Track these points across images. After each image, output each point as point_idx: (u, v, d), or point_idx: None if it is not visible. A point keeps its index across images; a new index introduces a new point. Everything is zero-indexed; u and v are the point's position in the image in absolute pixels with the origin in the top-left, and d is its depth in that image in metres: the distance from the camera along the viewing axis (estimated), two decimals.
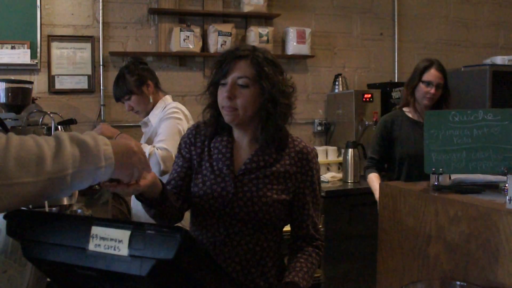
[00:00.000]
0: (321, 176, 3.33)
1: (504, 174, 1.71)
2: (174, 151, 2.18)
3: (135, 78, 2.35)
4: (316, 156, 1.54)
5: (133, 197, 2.53)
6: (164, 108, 2.37)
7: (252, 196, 1.41)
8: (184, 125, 2.31)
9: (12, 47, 3.18)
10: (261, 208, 1.40)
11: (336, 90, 3.84)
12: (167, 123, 2.27)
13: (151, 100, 2.39)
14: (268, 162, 1.44)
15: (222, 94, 1.38)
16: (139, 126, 2.61)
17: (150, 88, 2.39)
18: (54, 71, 3.32)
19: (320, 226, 1.60)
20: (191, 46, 3.43)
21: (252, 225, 1.41)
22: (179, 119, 2.29)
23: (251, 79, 1.36)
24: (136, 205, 2.50)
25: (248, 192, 1.41)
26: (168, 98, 2.46)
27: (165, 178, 1.56)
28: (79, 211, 2.35)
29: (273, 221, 1.43)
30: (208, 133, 1.49)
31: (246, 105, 1.37)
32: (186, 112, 2.39)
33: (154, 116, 2.38)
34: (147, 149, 2.15)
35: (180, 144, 1.56)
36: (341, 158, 3.46)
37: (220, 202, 1.41)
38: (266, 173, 1.43)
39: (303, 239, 1.52)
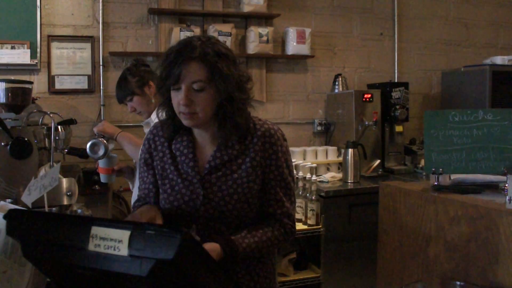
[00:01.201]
0: (321, 176, 3.36)
1: (504, 174, 1.71)
2: None
3: (136, 79, 2.37)
4: (282, 137, 1.44)
5: (133, 196, 2.53)
6: None
7: (223, 195, 1.36)
8: None
9: (12, 47, 3.18)
10: (234, 206, 1.36)
11: (336, 90, 3.84)
12: None
13: (153, 101, 2.40)
14: (232, 155, 1.38)
15: (177, 100, 1.31)
16: (140, 126, 2.62)
17: (151, 89, 2.40)
18: (54, 71, 3.32)
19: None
20: None
21: (229, 222, 1.37)
22: None
23: (205, 81, 1.29)
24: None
25: (219, 191, 1.36)
26: None
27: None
28: (79, 211, 2.35)
29: (250, 215, 1.39)
30: (166, 135, 1.44)
31: (205, 108, 1.31)
32: None
33: (155, 116, 2.39)
34: None
35: (140, 153, 1.51)
36: (341, 158, 3.46)
37: (191, 205, 1.37)
38: (233, 168, 1.38)
39: (266, 219, 1.43)
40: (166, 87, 1.33)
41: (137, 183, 2.48)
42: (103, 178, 2.34)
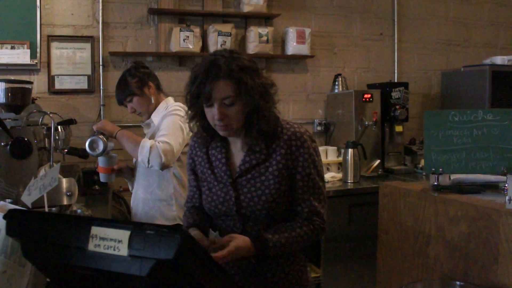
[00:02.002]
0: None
1: (504, 174, 1.71)
2: (175, 145, 2.21)
3: (136, 80, 2.38)
4: (310, 138, 1.52)
5: (132, 197, 2.53)
6: (166, 108, 2.39)
7: (252, 196, 1.47)
8: (186, 123, 2.31)
9: (12, 47, 3.18)
10: (263, 206, 1.46)
11: (336, 90, 3.84)
12: (169, 119, 2.29)
13: (152, 101, 2.40)
14: (260, 159, 1.49)
15: (211, 115, 1.44)
16: (140, 126, 2.62)
17: (151, 89, 2.41)
18: (54, 71, 3.32)
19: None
20: (191, 46, 3.43)
21: (260, 220, 1.49)
22: (181, 116, 2.30)
23: (234, 96, 1.40)
24: (136, 205, 2.50)
25: (248, 193, 1.48)
26: (170, 99, 2.48)
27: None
28: (79, 211, 2.35)
29: (279, 213, 1.49)
30: (204, 142, 1.59)
31: (237, 119, 1.44)
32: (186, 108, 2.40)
33: (156, 116, 2.40)
34: (148, 142, 2.17)
35: (187, 161, 1.66)
36: (341, 158, 3.46)
37: (226, 205, 1.51)
38: (261, 171, 1.49)
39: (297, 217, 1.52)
40: (199, 104, 1.45)
41: (136, 183, 2.48)
42: (102, 177, 2.34)
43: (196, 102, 1.45)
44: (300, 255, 1.61)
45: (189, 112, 1.52)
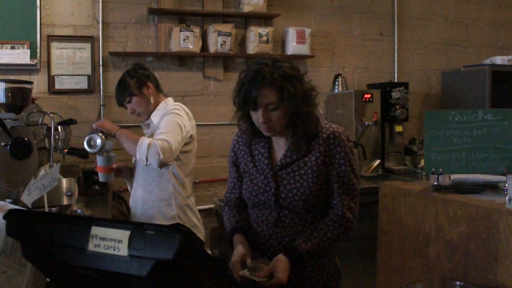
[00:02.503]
0: None
1: (504, 174, 1.71)
2: (174, 143, 2.20)
3: (135, 80, 2.39)
4: (346, 138, 1.65)
5: (131, 196, 2.53)
6: (165, 108, 2.39)
7: (291, 188, 1.61)
8: (186, 122, 2.33)
9: (12, 47, 3.18)
10: (300, 197, 1.59)
11: (336, 90, 3.84)
12: (168, 117, 2.29)
13: (151, 101, 2.40)
14: (300, 155, 1.62)
15: (256, 118, 1.58)
16: (140, 127, 2.61)
17: (150, 90, 2.41)
18: (54, 71, 3.32)
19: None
20: (190, 46, 3.43)
21: (297, 211, 1.61)
22: (180, 115, 2.31)
23: (277, 102, 1.53)
24: (135, 205, 2.50)
25: (288, 185, 1.61)
26: (170, 99, 2.48)
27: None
28: (79, 211, 2.35)
29: (315, 206, 1.62)
30: (249, 139, 1.72)
31: (280, 123, 1.57)
32: (187, 110, 2.41)
33: (155, 116, 2.40)
34: (146, 140, 2.17)
35: (229, 155, 1.80)
36: None
37: (266, 196, 1.64)
38: (300, 165, 1.62)
39: (330, 217, 1.63)
40: (246, 108, 1.59)
41: (135, 183, 2.48)
42: (101, 177, 2.34)
43: (243, 107, 1.59)
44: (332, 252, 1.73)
45: (238, 113, 1.65)
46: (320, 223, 1.61)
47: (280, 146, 1.68)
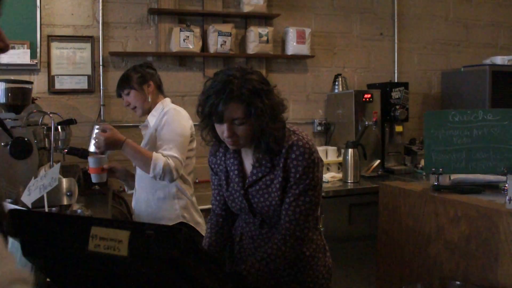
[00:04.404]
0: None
1: (504, 174, 1.71)
2: (182, 158, 2.28)
3: (138, 75, 2.41)
4: (308, 150, 1.53)
5: (135, 198, 2.53)
6: (163, 110, 2.39)
7: (262, 205, 1.60)
8: (187, 127, 2.35)
9: (12, 47, 3.18)
10: (273, 213, 1.58)
11: (336, 90, 3.84)
12: (171, 129, 2.29)
13: (149, 100, 2.41)
14: (265, 172, 1.58)
15: (221, 131, 1.52)
16: (138, 127, 2.62)
17: (150, 88, 2.42)
18: (54, 71, 3.31)
19: (320, 225, 1.62)
20: (191, 46, 3.43)
21: (277, 219, 1.59)
22: (180, 121, 2.33)
23: (244, 117, 1.47)
24: (138, 207, 2.50)
25: (259, 202, 1.60)
26: (167, 100, 2.48)
27: None
28: (79, 211, 2.35)
29: None
30: (215, 149, 1.71)
31: (245, 137, 1.52)
32: (184, 112, 2.42)
33: (152, 117, 2.41)
34: (161, 161, 2.19)
35: (209, 163, 1.78)
36: (341, 158, 3.46)
37: (243, 210, 1.65)
38: (267, 183, 1.58)
39: (278, 232, 1.58)
40: (210, 121, 1.53)
41: (138, 185, 2.47)
42: (93, 177, 2.35)
43: (207, 119, 1.53)
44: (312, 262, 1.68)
45: (202, 123, 1.59)
46: (269, 244, 1.54)
47: (248, 160, 1.64)
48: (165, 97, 2.52)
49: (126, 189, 2.61)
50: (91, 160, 2.32)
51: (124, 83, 2.42)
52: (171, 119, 2.31)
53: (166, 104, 2.44)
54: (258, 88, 1.47)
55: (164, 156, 2.22)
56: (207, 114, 1.50)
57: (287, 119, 1.59)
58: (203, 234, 2.39)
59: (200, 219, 2.47)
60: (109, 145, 2.23)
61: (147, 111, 2.44)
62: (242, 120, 1.47)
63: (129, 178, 2.52)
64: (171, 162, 2.21)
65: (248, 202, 1.61)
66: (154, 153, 2.24)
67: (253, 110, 1.46)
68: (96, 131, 2.27)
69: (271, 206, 1.57)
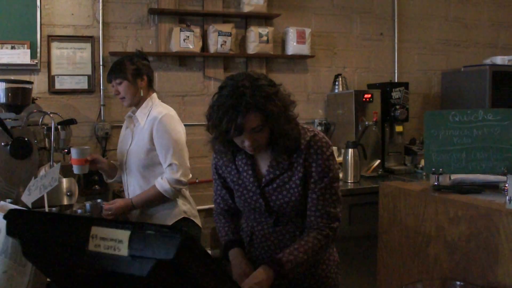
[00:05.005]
0: None
1: (504, 174, 1.71)
2: (182, 161, 2.32)
3: (134, 68, 2.37)
4: (325, 144, 1.60)
5: (131, 196, 2.53)
6: (151, 107, 2.39)
7: (280, 202, 1.60)
8: (181, 132, 2.38)
9: (12, 47, 3.18)
10: (292, 208, 1.60)
11: (336, 90, 3.84)
12: (167, 137, 2.31)
13: (141, 94, 2.40)
14: (283, 169, 1.59)
15: (240, 141, 1.52)
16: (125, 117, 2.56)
17: (143, 83, 2.39)
18: (54, 71, 3.32)
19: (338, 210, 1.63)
20: (191, 46, 3.43)
21: (292, 216, 1.62)
22: (175, 128, 2.36)
23: (262, 124, 1.48)
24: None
25: (276, 200, 1.61)
26: (154, 96, 2.45)
27: None
28: (79, 211, 2.36)
29: (305, 212, 1.61)
30: (228, 156, 1.67)
31: (264, 142, 1.54)
32: (175, 115, 2.42)
33: (141, 116, 2.38)
34: (166, 185, 2.30)
35: (212, 163, 1.77)
36: (341, 158, 3.46)
37: (258, 210, 1.65)
38: (285, 180, 1.60)
39: (308, 224, 1.61)
40: (227, 136, 1.51)
41: (133, 183, 2.46)
42: (75, 169, 2.33)
43: (223, 135, 1.50)
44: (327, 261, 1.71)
45: (213, 135, 1.58)
46: (304, 237, 1.57)
47: (263, 159, 1.64)
48: (153, 90, 2.49)
49: (105, 178, 2.59)
50: (74, 151, 2.30)
51: (118, 72, 2.37)
52: (168, 127, 2.32)
53: (154, 101, 2.42)
54: (270, 92, 1.48)
55: (165, 168, 2.31)
56: (225, 130, 1.47)
57: (297, 116, 1.60)
58: (198, 224, 2.48)
59: (196, 212, 2.51)
60: (120, 212, 2.36)
61: (135, 104, 2.42)
62: (260, 127, 1.48)
63: (110, 169, 2.51)
64: (171, 176, 2.28)
65: (264, 201, 1.62)
66: (156, 183, 2.31)
67: (269, 115, 1.47)
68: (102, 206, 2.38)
69: (290, 203, 1.59)
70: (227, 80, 1.51)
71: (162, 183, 2.29)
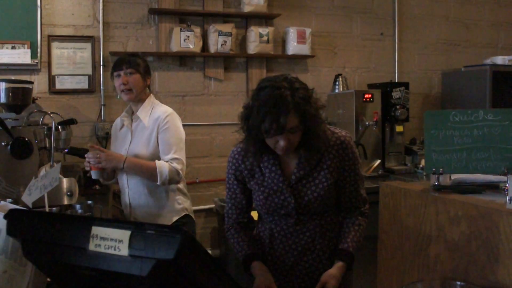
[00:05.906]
0: None
1: (504, 174, 1.71)
2: (183, 157, 2.35)
3: (145, 64, 2.42)
4: (351, 141, 1.72)
5: (131, 197, 2.52)
6: (152, 107, 2.40)
7: (309, 198, 1.66)
8: (182, 130, 2.42)
9: (13, 47, 3.18)
10: (319, 204, 1.67)
11: (337, 90, 3.84)
12: (172, 133, 2.34)
13: (148, 91, 2.43)
14: (312, 165, 1.66)
15: (274, 142, 1.56)
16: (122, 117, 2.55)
17: (149, 81, 2.45)
18: (55, 71, 3.32)
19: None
20: (191, 46, 3.43)
21: (316, 214, 1.69)
22: (178, 126, 2.39)
23: (299, 126, 1.54)
24: (137, 204, 2.48)
25: (305, 196, 1.66)
26: (152, 96, 2.47)
27: None
28: (80, 211, 2.35)
29: (331, 205, 1.72)
30: (257, 157, 1.68)
31: (296, 143, 1.59)
32: (177, 115, 2.45)
33: (144, 114, 2.38)
34: (165, 168, 2.27)
35: (229, 168, 1.77)
36: None
37: (285, 209, 1.68)
38: (314, 175, 1.66)
39: (347, 211, 1.76)
40: (266, 136, 1.54)
41: (135, 184, 2.45)
42: (94, 174, 2.32)
43: (261, 133, 1.54)
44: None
45: (246, 137, 1.62)
46: (349, 222, 1.74)
47: (290, 159, 1.69)
48: (151, 93, 2.50)
49: (102, 180, 2.52)
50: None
51: (132, 63, 2.34)
52: (174, 125, 2.36)
53: (154, 101, 2.45)
54: (306, 95, 1.55)
55: (167, 161, 2.30)
56: (266, 130, 1.51)
57: (326, 119, 1.64)
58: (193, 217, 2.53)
59: (192, 207, 2.55)
60: (110, 160, 2.28)
61: (137, 100, 2.40)
62: (297, 128, 1.53)
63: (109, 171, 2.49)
64: (175, 165, 2.28)
65: (295, 199, 1.66)
66: (157, 161, 2.30)
67: (307, 116, 1.53)
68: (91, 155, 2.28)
69: (319, 197, 1.65)
70: (265, 82, 1.56)
71: (162, 164, 2.28)
